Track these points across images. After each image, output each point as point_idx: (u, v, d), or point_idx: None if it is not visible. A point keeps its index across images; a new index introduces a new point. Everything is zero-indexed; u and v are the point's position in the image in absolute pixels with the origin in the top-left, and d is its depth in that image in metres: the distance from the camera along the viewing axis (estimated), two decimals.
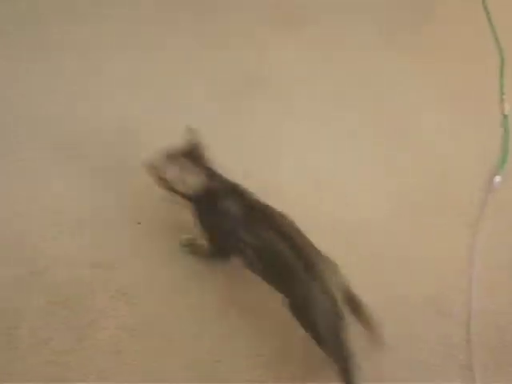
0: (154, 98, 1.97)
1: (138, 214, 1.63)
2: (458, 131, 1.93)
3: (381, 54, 2.20)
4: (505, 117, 1.97)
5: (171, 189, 1.41)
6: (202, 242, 1.47)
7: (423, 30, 2.33)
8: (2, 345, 1.36)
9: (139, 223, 1.61)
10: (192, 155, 1.41)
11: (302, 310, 1.27)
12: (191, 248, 1.52)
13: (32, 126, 1.85)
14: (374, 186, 1.77)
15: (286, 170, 1.80)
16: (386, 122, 1.97)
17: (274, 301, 1.35)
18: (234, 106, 1.96)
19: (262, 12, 2.31)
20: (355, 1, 2.41)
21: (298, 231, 1.31)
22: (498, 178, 1.76)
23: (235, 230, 1.34)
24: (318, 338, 1.25)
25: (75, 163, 1.76)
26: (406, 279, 1.54)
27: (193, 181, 1.39)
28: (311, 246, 1.29)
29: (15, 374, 1.31)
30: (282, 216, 1.34)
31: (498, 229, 1.65)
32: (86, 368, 1.33)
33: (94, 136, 1.83)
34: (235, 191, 1.39)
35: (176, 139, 1.43)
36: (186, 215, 1.46)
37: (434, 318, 1.47)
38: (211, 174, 1.41)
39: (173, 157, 1.41)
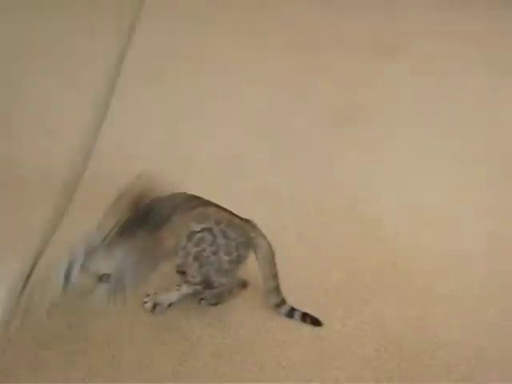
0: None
1: None
2: None
3: (483, 79, 2.30)
4: None
5: None
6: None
7: None
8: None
9: None
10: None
11: None
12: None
13: None
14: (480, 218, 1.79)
15: (388, 198, 1.85)
16: (493, 149, 2.02)
17: None
18: (336, 132, 2.09)
19: (363, 41, 2.52)
20: (455, 28, 2.60)
21: None
22: None
23: None
24: None
25: None
26: None
27: None
28: None
29: None
30: None
31: None
32: None
33: None
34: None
35: None
36: None
37: None
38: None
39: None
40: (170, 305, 1.44)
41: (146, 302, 1.44)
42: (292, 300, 1.47)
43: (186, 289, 1.42)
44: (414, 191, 1.89)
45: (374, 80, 2.37)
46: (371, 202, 1.83)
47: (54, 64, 2.25)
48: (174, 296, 1.44)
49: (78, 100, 2.10)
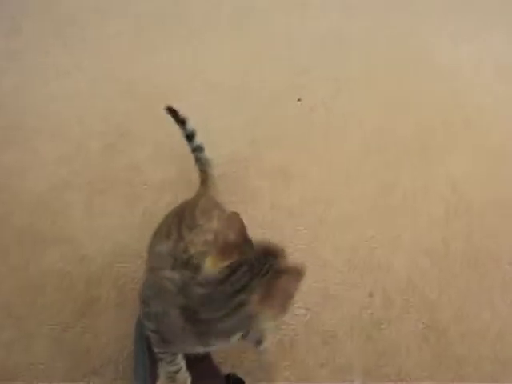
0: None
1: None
2: None
3: None
4: None
5: None
6: None
7: None
8: None
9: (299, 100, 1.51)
10: None
11: None
12: None
13: None
14: None
15: (464, 50, 1.69)
16: None
17: None
18: None
19: None
20: None
21: None
22: None
23: None
24: None
25: None
26: None
27: None
28: None
29: None
30: None
31: None
32: None
33: None
34: None
35: None
36: None
37: None
38: None
39: None
40: None
41: None
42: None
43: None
44: (491, 43, 1.72)
45: None
46: (447, 53, 1.67)
47: None
48: None
49: None
